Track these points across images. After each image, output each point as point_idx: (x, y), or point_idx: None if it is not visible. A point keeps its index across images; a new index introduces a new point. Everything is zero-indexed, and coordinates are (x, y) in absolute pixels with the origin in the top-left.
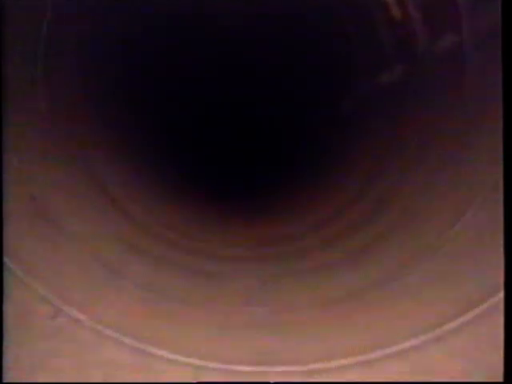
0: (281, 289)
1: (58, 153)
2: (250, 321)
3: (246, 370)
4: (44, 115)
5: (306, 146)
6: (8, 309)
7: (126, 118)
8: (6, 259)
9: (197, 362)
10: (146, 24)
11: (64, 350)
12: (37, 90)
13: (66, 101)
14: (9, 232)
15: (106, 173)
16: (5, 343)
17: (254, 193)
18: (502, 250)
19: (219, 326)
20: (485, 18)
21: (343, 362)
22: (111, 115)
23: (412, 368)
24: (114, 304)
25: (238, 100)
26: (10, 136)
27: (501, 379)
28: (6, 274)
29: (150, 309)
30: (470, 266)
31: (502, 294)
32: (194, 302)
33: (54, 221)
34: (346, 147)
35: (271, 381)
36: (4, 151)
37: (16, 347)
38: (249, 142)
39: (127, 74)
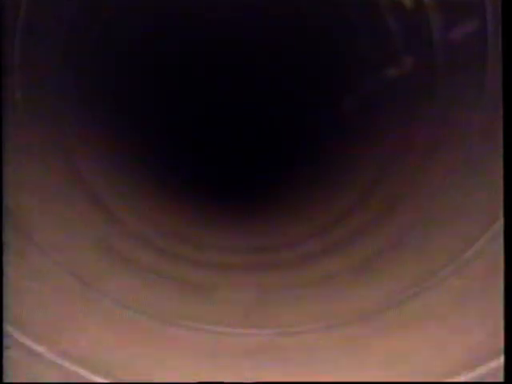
0: (280, 305)
1: (33, 147)
2: (247, 346)
3: None
4: (19, 106)
5: (308, 148)
6: None
7: (113, 111)
8: None
9: None
10: (138, 14)
11: None
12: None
13: (46, 91)
14: None
15: (89, 170)
16: None
17: (253, 196)
18: None
19: (210, 354)
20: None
21: None
22: (97, 107)
23: None
24: (83, 329)
25: (235, 100)
26: None
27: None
28: None
29: (130, 334)
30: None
31: None
32: (183, 321)
33: (19, 226)
34: (350, 149)
35: None
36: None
37: None
38: (247, 143)
39: (117, 65)
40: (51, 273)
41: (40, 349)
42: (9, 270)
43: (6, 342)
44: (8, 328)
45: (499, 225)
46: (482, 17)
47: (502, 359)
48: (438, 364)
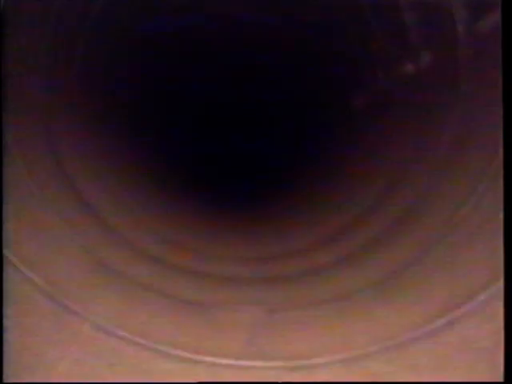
0: (290, 329)
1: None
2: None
3: None
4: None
5: (319, 152)
6: None
7: (102, 109)
8: None
9: None
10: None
11: None
12: None
13: (31, 87)
14: None
15: (75, 169)
16: None
17: (258, 202)
18: None
19: None
20: None
21: None
22: (86, 106)
23: None
24: (54, 365)
25: (247, 100)
26: None
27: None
28: None
29: (112, 369)
30: None
31: None
32: (177, 351)
33: None
34: (365, 151)
35: None
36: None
37: None
38: (254, 146)
39: (107, 60)
40: (21, 293)
41: None
42: None
43: None
44: None
45: None
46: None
47: None
48: None
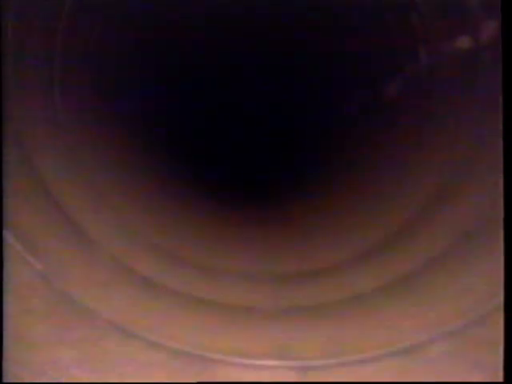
0: None
1: None
2: None
3: None
4: None
5: (355, 155)
6: None
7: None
8: None
9: None
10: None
11: None
12: None
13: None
14: None
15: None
16: None
17: (283, 211)
18: None
19: None
20: None
21: None
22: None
23: None
24: None
25: (276, 99)
26: None
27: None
28: None
29: None
30: None
31: None
32: None
33: None
34: (409, 151)
35: None
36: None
37: None
38: (280, 147)
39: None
40: None
41: None
42: None
43: None
44: None
45: None
46: None
47: None
48: None
